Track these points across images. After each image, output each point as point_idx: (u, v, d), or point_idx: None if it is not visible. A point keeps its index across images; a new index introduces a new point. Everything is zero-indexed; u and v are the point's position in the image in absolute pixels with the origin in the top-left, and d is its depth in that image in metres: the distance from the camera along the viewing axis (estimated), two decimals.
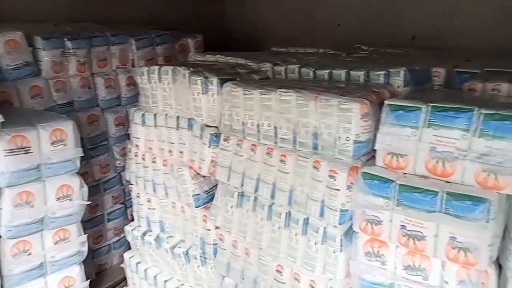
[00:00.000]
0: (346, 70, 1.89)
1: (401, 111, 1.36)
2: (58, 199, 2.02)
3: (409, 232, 1.35)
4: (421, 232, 1.33)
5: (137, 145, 2.30)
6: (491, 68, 1.94)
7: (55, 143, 1.98)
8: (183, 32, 3.30)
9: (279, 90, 1.63)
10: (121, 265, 2.60)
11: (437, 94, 1.69)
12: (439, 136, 1.29)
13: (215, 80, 1.87)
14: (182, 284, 2.23)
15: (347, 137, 1.48)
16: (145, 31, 3.02)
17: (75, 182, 2.07)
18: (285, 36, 3.70)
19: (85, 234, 2.20)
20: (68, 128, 2.01)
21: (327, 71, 1.95)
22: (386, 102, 1.41)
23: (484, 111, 1.22)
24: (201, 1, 3.98)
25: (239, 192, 1.86)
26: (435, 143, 1.30)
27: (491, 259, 1.26)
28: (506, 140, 1.18)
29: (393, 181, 1.37)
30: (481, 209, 1.20)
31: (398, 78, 1.75)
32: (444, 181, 1.31)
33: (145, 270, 2.39)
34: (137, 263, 2.44)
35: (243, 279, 1.90)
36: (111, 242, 2.96)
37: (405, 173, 1.40)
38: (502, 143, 1.18)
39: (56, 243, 2.07)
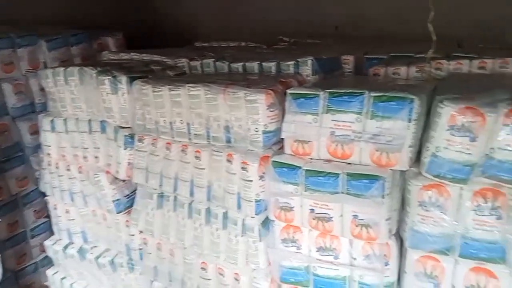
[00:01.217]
0: (258, 62, 1.91)
1: (302, 99, 1.40)
2: None
3: (317, 215, 1.40)
4: (328, 214, 1.38)
5: (48, 154, 2.15)
6: (397, 54, 2.06)
7: None
8: (103, 31, 3.13)
9: (188, 85, 1.60)
10: (45, 283, 2.43)
11: (341, 80, 1.77)
12: (337, 120, 1.35)
13: (124, 78, 1.79)
14: None
15: (256, 128, 1.50)
16: (59, 31, 2.82)
17: None
18: (213, 31, 3.66)
19: (4, 253, 2.01)
20: None
21: (241, 64, 1.96)
22: (288, 91, 1.44)
23: (373, 94, 1.29)
24: None
25: (158, 193, 1.81)
26: (334, 127, 1.36)
27: (391, 232, 1.35)
28: (393, 120, 1.26)
29: (300, 167, 1.41)
30: (376, 186, 1.28)
31: (307, 67, 1.81)
32: (346, 163, 1.38)
33: (71, 285, 2.26)
34: (62, 278, 2.29)
35: (170, 281, 1.86)
36: (37, 260, 2.72)
37: (311, 159, 1.45)
38: (389, 123, 1.26)
39: None
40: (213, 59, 2.05)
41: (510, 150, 1.14)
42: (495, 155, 1.16)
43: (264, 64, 1.90)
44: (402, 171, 1.35)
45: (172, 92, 1.63)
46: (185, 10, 3.97)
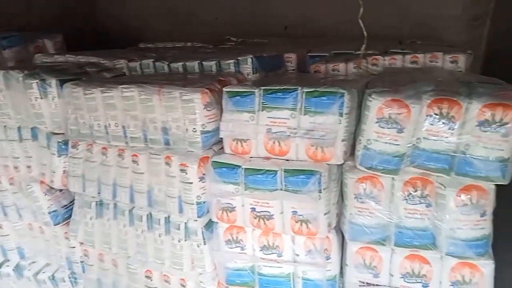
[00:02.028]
0: (198, 61, 1.86)
1: (238, 97, 1.38)
2: None
3: (259, 214, 1.39)
4: (268, 212, 1.37)
5: None
6: (338, 51, 2.11)
7: None
8: (41, 33, 2.95)
9: (121, 86, 1.53)
10: None
11: (280, 78, 1.77)
12: (273, 117, 1.34)
13: (53, 81, 1.68)
14: None
15: (194, 128, 1.46)
16: None
17: None
18: (161, 33, 3.56)
19: None
20: None
21: (180, 63, 1.90)
22: (224, 89, 1.42)
23: (305, 90, 1.29)
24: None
25: (97, 202, 1.71)
26: (270, 124, 1.35)
27: (330, 226, 1.37)
28: (325, 115, 1.27)
29: (239, 166, 1.39)
30: (313, 181, 1.28)
31: (247, 65, 1.79)
32: (284, 159, 1.38)
33: None
34: None
35: None
36: None
37: (251, 157, 1.43)
38: (322, 118, 1.28)
39: None
40: (152, 60, 1.98)
41: (434, 140, 1.19)
42: (421, 144, 1.21)
43: (204, 63, 1.86)
44: (339, 165, 1.37)
45: (105, 94, 1.55)
46: (131, 12, 3.84)
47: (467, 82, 1.33)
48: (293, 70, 2.07)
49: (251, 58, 1.78)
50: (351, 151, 1.37)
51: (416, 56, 1.88)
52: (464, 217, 1.18)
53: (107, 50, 2.45)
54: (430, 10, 2.70)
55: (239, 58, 1.81)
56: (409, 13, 2.74)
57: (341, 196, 1.41)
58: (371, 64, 1.94)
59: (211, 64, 1.84)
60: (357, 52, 1.71)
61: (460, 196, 1.18)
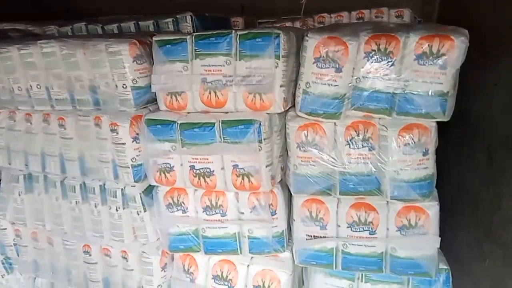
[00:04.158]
0: (134, 22, 1.74)
1: (169, 45, 1.27)
2: None
3: (198, 171, 1.29)
4: (209, 168, 1.28)
5: None
6: (287, 16, 2.04)
7: None
8: None
9: (39, 42, 1.37)
10: None
11: None
12: (207, 65, 1.24)
13: None
14: None
15: (124, 84, 1.33)
16: None
17: None
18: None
19: None
20: None
21: (115, 25, 1.76)
22: (154, 38, 1.30)
23: (239, 33, 1.20)
24: None
25: (25, 175, 1.56)
26: (204, 73, 1.25)
27: (274, 180, 1.29)
28: (261, 58, 1.18)
29: (174, 121, 1.28)
30: (252, 131, 1.20)
31: (187, 23, 1.68)
32: (222, 112, 1.28)
33: None
34: None
35: (53, 273, 1.63)
36: None
37: (188, 113, 1.33)
38: (258, 62, 1.19)
39: None
40: (84, 23, 1.82)
41: (374, 78, 1.13)
42: (360, 84, 1.15)
43: (140, 23, 1.73)
44: (281, 117, 1.30)
45: (23, 52, 1.39)
46: None
47: (407, 24, 1.29)
48: None
49: (191, 15, 1.67)
50: (293, 102, 1.30)
51: (362, 12, 1.85)
52: (407, 157, 1.14)
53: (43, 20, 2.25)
54: None
55: (177, 16, 1.69)
56: None
57: (286, 151, 1.34)
58: (317, 22, 1.89)
59: (148, 24, 1.73)
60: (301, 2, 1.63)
61: (402, 136, 1.14)
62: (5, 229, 1.70)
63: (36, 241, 1.63)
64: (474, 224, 1.42)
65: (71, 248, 1.55)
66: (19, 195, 1.57)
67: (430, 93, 1.10)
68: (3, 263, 1.75)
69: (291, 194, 1.35)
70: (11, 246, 1.72)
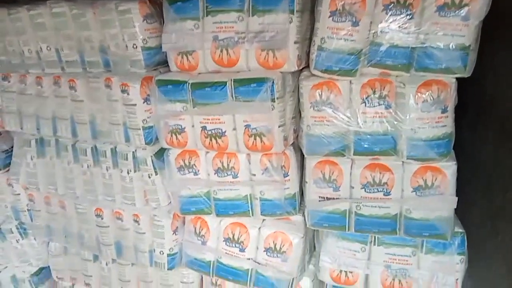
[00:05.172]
0: None
1: (179, 3, 1.24)
2: None
3: (210, 132, 1.28)
4: (220, 129, 1.26)
5: None
6: None
7: None
8: None
9: (49, 2, 1.35)
10: None
11: None
12: (219, 22, 1.21)
13: None
14: (5, 268, 1.86)
15: (134, 45, 1.31)
16: None
17: None
18: None
19: None
20: None
21: None
22: None
23: None
24: None
25: (37, 139, 1.56)
26: (216, 31, 1.22)
27: (287, 141, 1.27)
28: (274, 13, 1.15)
29: (185, 81, 1.26)
30: (264, 89, 1.17)
31: None
32: (234, 72, 1.25)
33: None
34: None
35: (66, 237, 1.65)
36: None
37: (199, 73, 1.30)
38: (271, 17, 1.15)
39: None
40: None
41: (393, 32, 1.09)
42: (378, 39, 1.10)
43: None
44: (294, 77, 1.27)
45: (32, 12, 1.38)
46: None
47: None
48: None
49: None
50: (307, 62, 1.26)
51: None
52: (424, 115, 1.11)
53: None
54: None
55: None
56: None
57: (299, 113, 1.31)
58: None
59: None
60: None
61: (420, 93, 1.10)
62: (19, 194, 1.72)
63: (49, 205, 1.64)
64: (487, 201, 1.39)
65: (83, 212, 1.57)
66: (32, 159, 1.58)
67: (451, 46, 1.06)
68: (17, 228, 1.78)
69: (303, 158, 1.33)
70: (25, 211, 1.74)
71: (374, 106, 1.16)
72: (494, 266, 1.24)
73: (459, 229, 1.26)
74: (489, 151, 1.33)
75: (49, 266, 1.83)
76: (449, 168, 1.16)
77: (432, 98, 1.10)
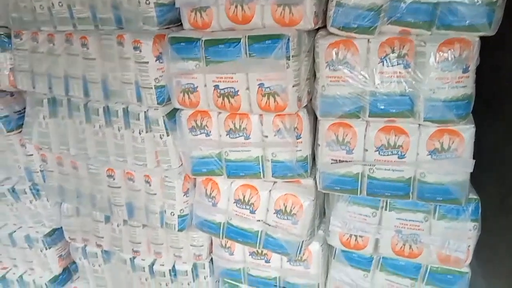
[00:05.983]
0: None
1: None
2: None
3: (223, 91, 1.26)
4: (233, 88, 1.24)
5: None
6: None
7: None
8: None
9: None
10: None
11: None
12: None
13: None
14: (19, 228, 1.90)
15: (147, 0, 1.28)
16: None
17: None
18: None
19: None
20: None
21: None
22: None
23: None
24: None
25: (49, 98, 1.56)
26: None
27: (301, 102, 1.25)
28: None
29: (199, 39, 1.23)
30: (279, 46, 1.14)
31: None
32: (249, 29, 1.22)
33: None
34: None
35: (78, 197, 1.67)
36: None
37: (212, 32, 1.27)
38: None
39: None
40: None
41: None
42: None
43: None
44: (310, 36, 1.23)
45: None
46: None
47: None
48: None
49: None
50: (324, 21, 1.22)
51: None
52: (445, 74, 1.07)
53: None
54: None
55: None
56: None
57: (314, 75, 1.28)
58: None
59: None
60: None
61: (441, 51, 1.06)
62: (32, 155, 1.74)
63: (61, 166, 1.66)
64: (499, 180, 1.36)
65: (95, 172, 1.58)
66: (44, 119, 1.59)
67: (476, 1, 1.01)
68: (31, 189, 1.81)
69: (315, 121, 1.31)
70: (38, 172, 1.76)
71: (393, 66, 1.12)
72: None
73: (473, 196, 1.24)
74: (502, 130, 1.30)
75: (61, 227, 1.86)
76: (467, 131, 1.13)
77: (453, 57, 1.06)
